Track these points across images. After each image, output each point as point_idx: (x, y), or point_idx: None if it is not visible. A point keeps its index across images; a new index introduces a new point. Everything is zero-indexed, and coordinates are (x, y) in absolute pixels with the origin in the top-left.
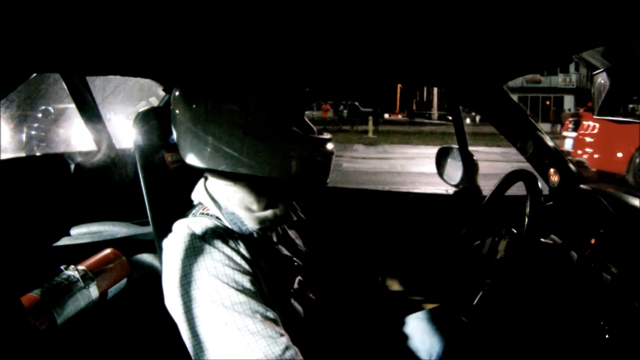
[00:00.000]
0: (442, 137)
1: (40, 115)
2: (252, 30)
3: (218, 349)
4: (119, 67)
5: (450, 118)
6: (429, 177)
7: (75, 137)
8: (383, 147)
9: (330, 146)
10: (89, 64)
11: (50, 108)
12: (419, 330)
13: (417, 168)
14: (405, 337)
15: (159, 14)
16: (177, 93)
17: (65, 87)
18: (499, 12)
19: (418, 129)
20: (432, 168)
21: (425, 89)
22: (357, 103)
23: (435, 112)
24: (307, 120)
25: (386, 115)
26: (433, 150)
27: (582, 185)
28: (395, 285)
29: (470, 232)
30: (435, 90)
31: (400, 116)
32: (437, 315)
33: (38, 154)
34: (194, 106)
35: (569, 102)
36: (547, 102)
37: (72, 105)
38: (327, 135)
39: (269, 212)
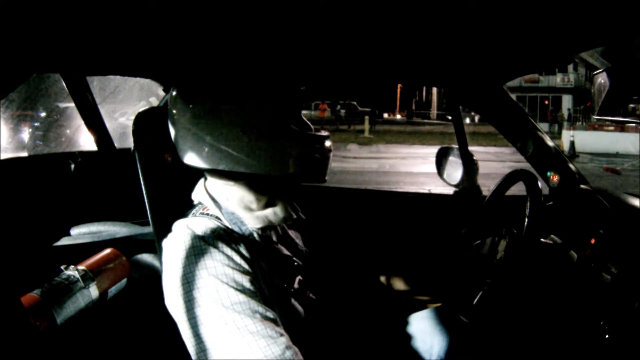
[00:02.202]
0: (438, 137)
1: (43, 114)
2: (250, 30)
3: (218, 349)
4: (119, 67)
5: (449, 118)
6: (415, 177)
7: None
8: (377, 146)
9: (327, 143)
10: (89, 64)
11: (59, 105)
12: (419, 330)
13: (405, 168)
14: (405, 337)
15: (158, 14)
16: (174, 93)
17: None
18: (499, 12)
19: (416, 128)
20: (421, 168)
21: (424, 88)
22: (355, 103)
23: (434, 112)
24: (304, 117)
25: (385, 115)
26: (427, 150)
27: (582, 185)
28: (395, 285)
29: (470, 232)
30: (435, 90)
31: (399, 116)
32: (437, 315)
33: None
34: (191, 106)
35: (567, 101)
36: (546, 102)
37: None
38: (324, 133)
39: (268, 211)
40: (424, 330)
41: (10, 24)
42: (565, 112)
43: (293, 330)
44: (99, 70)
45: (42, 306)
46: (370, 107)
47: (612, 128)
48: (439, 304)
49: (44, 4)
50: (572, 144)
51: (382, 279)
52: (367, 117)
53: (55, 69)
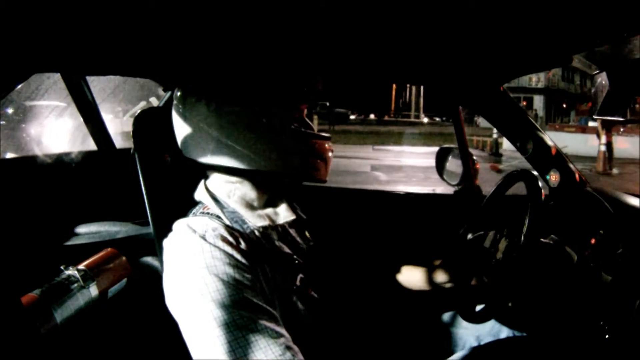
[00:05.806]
0: (392, 137)
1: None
2: (253, 29)
3: (218, 348)
4: (119, 67)
5: (437, 119)
6: None
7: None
8: None
9: (329, 144)
10: (89, 64)
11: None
12: (421, 332)
13: None
14: (405, 338)
15: (158, 14)
16: (180, 92)
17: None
18: (498, 11)
19: (378, 129)
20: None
21: (407, 91)
22: (327, 103)
23: (412, 113)
24: (306, 119)
25: (372, 116)
26: (357, 149)
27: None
28: (394, 285)
29: (468, 232)
30: (414, 92)
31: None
32: (438, 321)
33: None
34: (197, 104)
35: (538, 101)
36: (524, 103)
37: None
38: (326, 134)
39: (269, 210)
40: (425, 331)
41: (10, 24)
42: (533, 113)
43: (295, 329)
44: (99, 70)
45: (42, 306)
46: (348, 108)
47: (573, 129)
48: (440, 312)
49: (44, 4)
50: (496, 142)
51: (382, 278)
52: (315, 117)
53: (55, 69)
